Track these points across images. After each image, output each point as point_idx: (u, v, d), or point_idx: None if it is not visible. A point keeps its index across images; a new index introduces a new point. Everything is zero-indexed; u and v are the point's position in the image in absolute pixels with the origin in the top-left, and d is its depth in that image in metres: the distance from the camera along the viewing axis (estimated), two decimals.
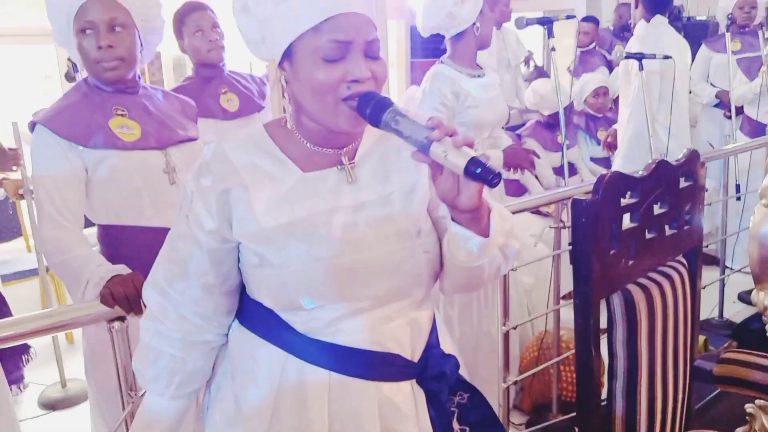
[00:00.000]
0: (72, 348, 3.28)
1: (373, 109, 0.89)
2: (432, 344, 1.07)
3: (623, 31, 4.99)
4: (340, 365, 0.98)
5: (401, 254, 0.98)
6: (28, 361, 2.67)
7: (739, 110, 3.84)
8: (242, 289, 1.06)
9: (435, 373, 1.04)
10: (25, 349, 2.66)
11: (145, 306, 1.37)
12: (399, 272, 0.99)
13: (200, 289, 1.01)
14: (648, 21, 3.07)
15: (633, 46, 2.97)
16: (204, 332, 1.04)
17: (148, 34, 1.61)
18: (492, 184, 0.81)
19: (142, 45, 1.59)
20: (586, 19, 4.84)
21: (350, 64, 0.90)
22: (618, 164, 3.21)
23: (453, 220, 0.92)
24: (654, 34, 3.03)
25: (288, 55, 0.93)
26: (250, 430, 1.02)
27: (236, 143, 0.99)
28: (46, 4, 1.54)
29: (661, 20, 3.07)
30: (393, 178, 1.01)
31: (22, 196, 2.75)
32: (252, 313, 1.03)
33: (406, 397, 1.03)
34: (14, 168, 2.51)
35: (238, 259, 1.01)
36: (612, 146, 3.59)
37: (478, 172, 0.81)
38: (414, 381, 1.04)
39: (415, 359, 1.04)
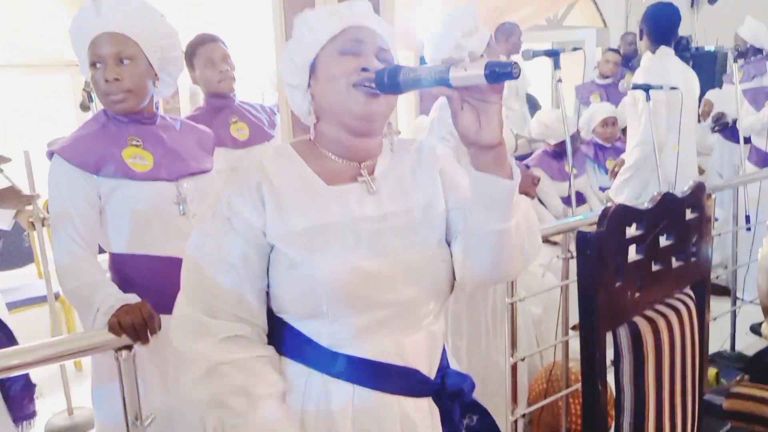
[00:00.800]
0: (80, 375, 3.28)
1: (389, 77, 0.95)
2: (444, 364, 1.10)
3: (629, 60, 5.03)
4: (363, 379, 1.00)
5: (423, 262, 1.03)
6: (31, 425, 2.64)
7: (746, 140, 3.85)
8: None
9: (452, 390, 1.07)
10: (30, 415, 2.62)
11: (151, 334, 1.39)
12: (422, 279, 1.03)
13: (248, 293, 1.00)
14: (653, 52, 3.09)
15: (639, 77, 2.97)
16: (260, 332, 1.03)
17: (167, 65, 1.64)
18: (515, 76, 0.83)
19: (157, 76, 1.62)
20: (611, 49, 4.94)
21: (362, 58, 1.01)
22: (612, 192, 3.21)
23: (476, 169, 0.93)
24: (660, 65, 3.05)
25: (312, 69, 1.04)
26: None
27: (267, 154, 1.06)
28: (71, 40, 1.58)
29: (666, 51, 3.08)
30: (411, 195, 1.07)
31: (33, 225, 2.79)
32: (277, 334, 1.04)
33: (425, 414, 1.05)
34: (26, 207, 2.55)
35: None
36: None
37: (498, 71, 0.83)
38: (430, 398, 1.06)
39: (432, 376, 1.06)
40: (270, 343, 1.05)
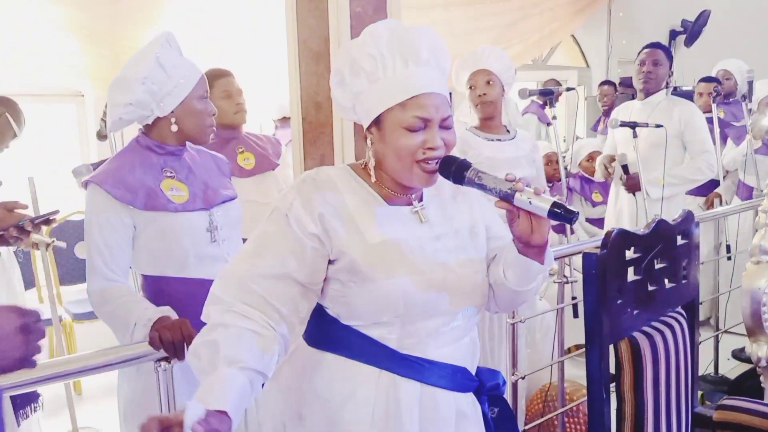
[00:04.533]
0: (80, 398, 3.30)
1: (456, 169, 1.08)
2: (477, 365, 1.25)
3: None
4: (428, 377, 1.14)
5: (476, 276, 1.18)
6: (36, 410, 2.69)
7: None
8: (327, 323, 1.17)
9: (490, 385, 1.23)
10: (35, 398, 2.67)
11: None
12: (474, 291, 1.18)
13: (288, 283, 1.08)
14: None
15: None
16: (272, 324, 1.07)
17: None
18: (572, 222, 1.02)
19: None
20: (605, 83, 5.26)
21: (428, 134, 1.11)
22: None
23: (519, 252, 1.11)
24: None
25: (376, 122, 1.12)
26: None
27: (333, 168, 1.18)
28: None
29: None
30: (455, 218, 1.21)
31: (37, 246, 2.82)
32: (343, 340, 1.15)
33: (471, 408, 1.21)
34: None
35: (327, 280, 1.13)
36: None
37: (560, 213, 1.00)
38: (473, 394, 1.22)
39: (473, 374, 1.22)
40: (341, 351, 1.15)
